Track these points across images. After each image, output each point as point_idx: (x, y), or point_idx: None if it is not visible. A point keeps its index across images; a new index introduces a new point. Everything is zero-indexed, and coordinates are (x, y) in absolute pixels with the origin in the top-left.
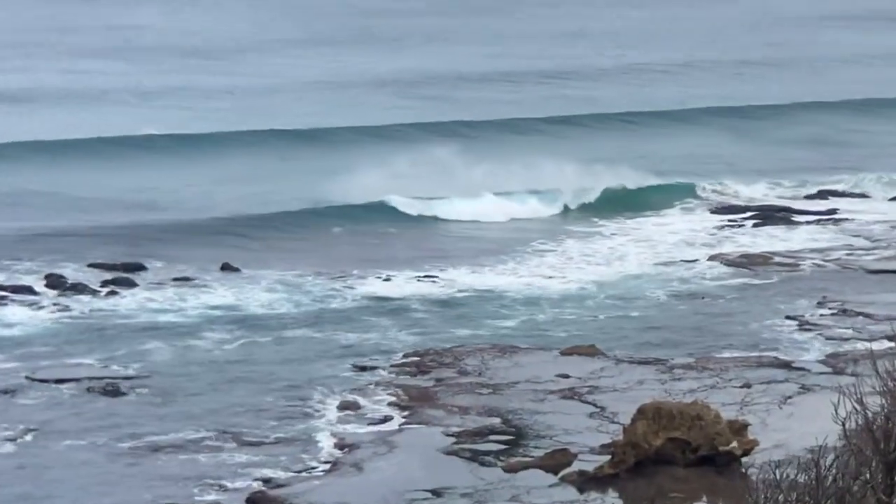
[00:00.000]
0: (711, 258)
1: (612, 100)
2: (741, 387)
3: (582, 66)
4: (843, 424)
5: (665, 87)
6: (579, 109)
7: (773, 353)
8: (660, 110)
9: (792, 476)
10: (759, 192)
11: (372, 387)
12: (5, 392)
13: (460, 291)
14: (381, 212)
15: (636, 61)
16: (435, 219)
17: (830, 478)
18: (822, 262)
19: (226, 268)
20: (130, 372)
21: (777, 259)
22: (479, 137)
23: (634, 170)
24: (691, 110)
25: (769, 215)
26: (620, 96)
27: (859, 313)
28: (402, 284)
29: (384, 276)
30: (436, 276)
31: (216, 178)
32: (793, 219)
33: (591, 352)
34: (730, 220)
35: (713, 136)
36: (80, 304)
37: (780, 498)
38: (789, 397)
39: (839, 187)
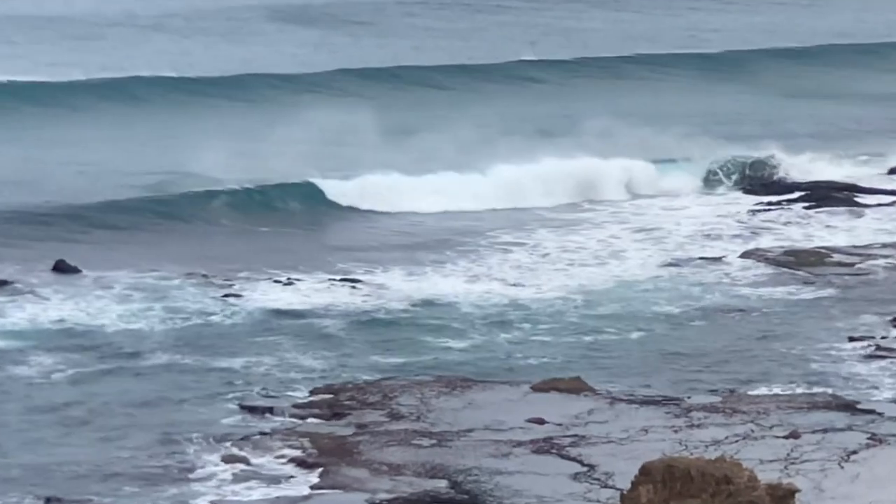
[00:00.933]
0: (745, 255)
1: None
2: (786, 437)
3: None
4: None
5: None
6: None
7: (831, 390)
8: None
9: None
10: (812, 165)
11: (267, 436)
12: None
13: (392, 301)
14: (288, 193)
15: None
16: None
17: None
18: None
19: (60, 268)
20: None
21: (836, 257)
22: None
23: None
24: (696, 55)
25: (825, 196)
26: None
27: None
28: (311, 292)
29: (285, 280)
30: (358, 281)
31: (46, 144)
32: (858, 201)
33: (575, 387)
34: (770, 203)
35: (746, 84)
36: None
37: None
38: (853, 452)
39: None
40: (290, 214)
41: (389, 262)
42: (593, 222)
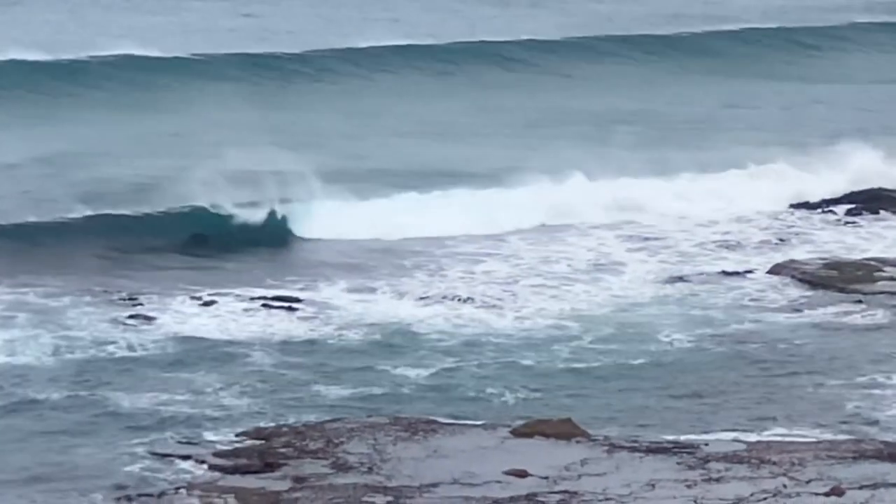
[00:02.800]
0: (773, 270)
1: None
2: (827, 494)
3: None
4: None
5: None
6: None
7: (881, 436)
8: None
9: None
10: (858, 160)
11: (181, 491)
12: None
13: (338, 326)
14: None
15: None
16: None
17: None
18: None
19: None
20: None
21: (889, 271)
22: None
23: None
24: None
25: (877, 197)
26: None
27: None
28: (237, 314)
29: (202, 300)
30: (295, 300)
31: None
32: None
33: (565, 431)
34: (806, 206)
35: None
36: None
37: None
38: None
39: None
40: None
41: (334, 279)
42: (578, 228)
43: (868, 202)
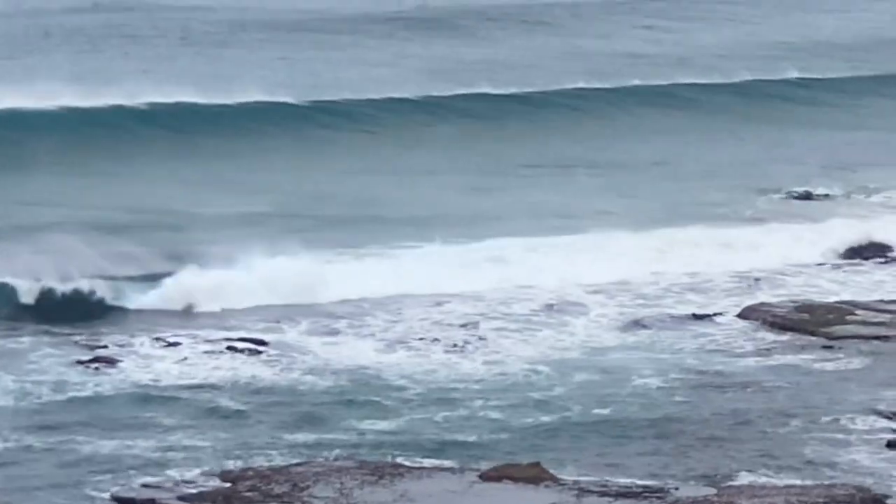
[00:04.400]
0: (745, 312)
1: None
2: None
3: None
4: None
5: None
6: None
7: (857, 479)
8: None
9: None
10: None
11: None
12: None
13: (302, 370)
14: None
15: None
16: None
17: None
18: None
19: None
20: None
21: (861, 315)
22: None
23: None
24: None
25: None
26: None
27: None
28: (200, 356)
29: (166, 341)
30: (262, 343)
31: None
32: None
33: (534, 475)
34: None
35: None
36: None
37: None
38: None
39: None
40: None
41: (298, 321)
42: (536, 267)
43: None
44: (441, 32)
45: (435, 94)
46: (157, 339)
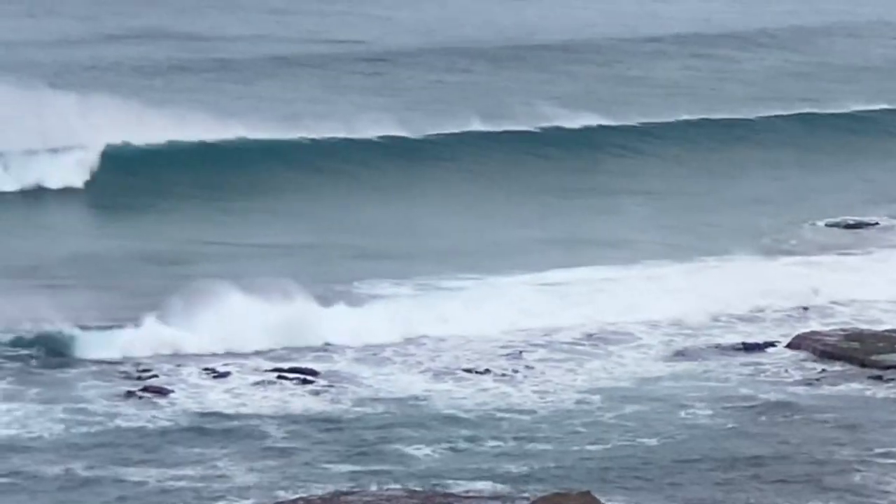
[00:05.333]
0: (795, 342)
1: None
2: None
3: None
4: None
5: None
6: None
7: None
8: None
9: None
10: None
11: None
12: None
13: (353, 401)
14: None
15: None
16: None
17: None
18: None
19: None
20: None
21: None
22: None
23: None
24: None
25: None
26: None
27: None
28: (250, 387)
29: (217, 370)
30: (311, 371)
31: None
32: None
33: (584, 503)
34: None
35: None
36: None
37: None
38: None
39: None
40: None
41: (346, 351)
42: (573, 294)
43: None
44: (508, 64)
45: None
46: (206, 369)
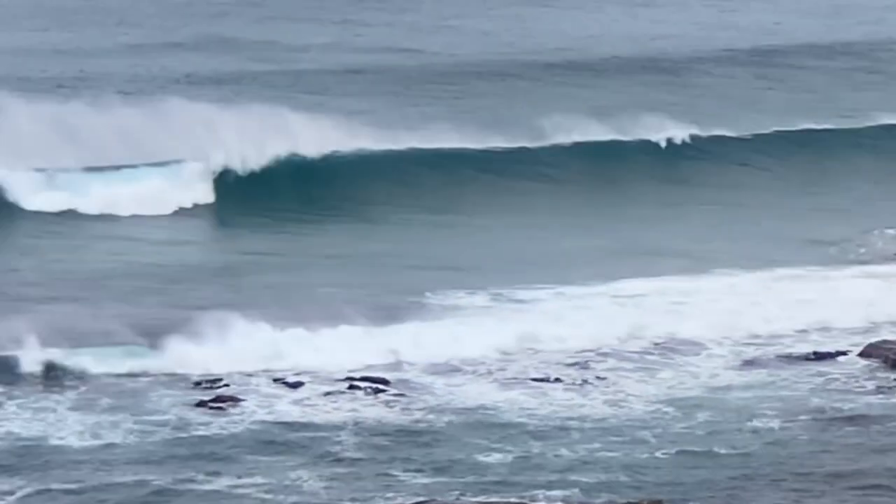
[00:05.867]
0: (867, 350)
1: None
2: None
3: None
4: None
5: None
6: None
7: None
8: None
9: None
10: None
11: None
12: None
13: (424, 410)
14: None
15: None
16: None
17: None
18: None
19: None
20: None
21: None
22: None
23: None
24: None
25: None
26: None
27: None
28: (321, 397)
29: (288, 380)
30: (382, 381)
31: None
32: None
33: None
34: None
35: None
36: None
37: None
38: None
39: None
40: None
41: (416, 361)
42: (644, 304)
43: None
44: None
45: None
46: (277, 379)
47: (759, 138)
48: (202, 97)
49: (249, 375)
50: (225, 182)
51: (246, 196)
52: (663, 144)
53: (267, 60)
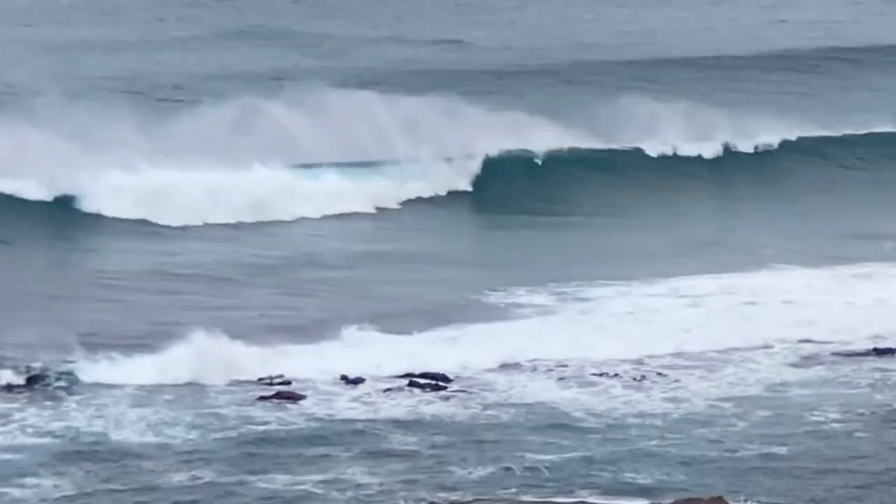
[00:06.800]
0: None
1: None
2: None
3: None
4: None
5: None
6: None
7: None
8: None
9: None
10: None
11: None
12: None
13: (483, 406)
14: None
15: None
16: None
17: None
18: None
19: None
20: None
21: None
22: None
23: None
24: None
25: None
26: None
27: None
28: (381, 394)
29: (349, 377)
30: (443, 377)
31: None
32: None
33: None
34: None
35: None
36: None
37: None
38: None
39: None
40: None
41: (479, 358)
42: (705, 300)
43: None
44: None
45: None
46: (341, 376)
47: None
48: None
49: (313, 372)
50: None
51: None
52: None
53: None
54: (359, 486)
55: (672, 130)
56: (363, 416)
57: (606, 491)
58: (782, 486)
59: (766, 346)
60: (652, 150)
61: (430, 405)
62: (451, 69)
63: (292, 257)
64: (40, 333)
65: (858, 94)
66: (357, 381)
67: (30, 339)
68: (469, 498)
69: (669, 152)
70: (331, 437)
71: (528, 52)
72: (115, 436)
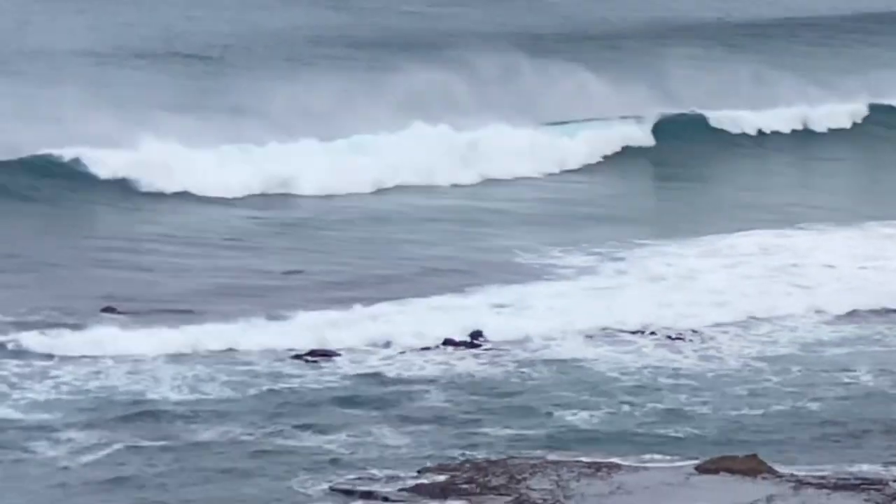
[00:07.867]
0: None
1: None
2: None
3: None
4: None
5: None
6: None
7: None
8: None
9: None
10: None
11: None
12: None
13: (516, 364)
14: None
15: None
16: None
17: None
18: None
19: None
20: None
21: None
22: None
23: None
24: None
25: None
26: None
27: None
28: (415, 352)
29: (382, 342)
30: (478, 334)
31: None
32: None
33: (751, 467)
34: None
35: None
36: None
37: None
38: None
39: None
40: None
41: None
42: (739, 259)
43: None
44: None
45: None
46: (374, 335)
47: None
48: None
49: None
50: None
51: None
52: None
53: None
54: (387, 444)
55: None
56: (395, 374)
57: (639, 450)
58: (817, 441)
59: (797, 302)
60: None
61: (461, 362)
62: None
63: None
64: (77, 294)
65: None
66: (386, 345)
67: (66, 299)
68: (497, 456)
69: None
70: (361, 395)
71: None
72: (152, 394)
